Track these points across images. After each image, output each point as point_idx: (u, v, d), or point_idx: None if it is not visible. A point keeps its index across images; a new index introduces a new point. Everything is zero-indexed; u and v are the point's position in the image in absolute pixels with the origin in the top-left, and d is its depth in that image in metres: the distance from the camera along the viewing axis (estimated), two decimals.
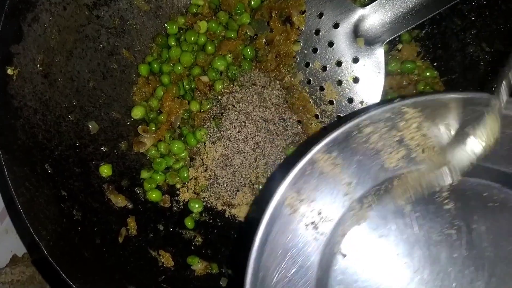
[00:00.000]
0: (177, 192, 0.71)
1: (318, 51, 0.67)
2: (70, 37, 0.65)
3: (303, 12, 0.66)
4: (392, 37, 0.63)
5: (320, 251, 0.46)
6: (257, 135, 0.68)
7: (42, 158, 0.60)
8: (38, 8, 0.60)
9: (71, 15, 0.64)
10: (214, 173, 0.69)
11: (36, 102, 0.61)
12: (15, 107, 0.58)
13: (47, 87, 0.62)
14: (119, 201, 0.66)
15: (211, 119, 0.70)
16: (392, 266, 0.48)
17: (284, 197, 0.45)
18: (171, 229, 0.69)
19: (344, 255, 0.48)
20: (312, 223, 0.46)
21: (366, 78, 0.65)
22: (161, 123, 0.71)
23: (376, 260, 0.48)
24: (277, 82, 0.70)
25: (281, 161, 0.69)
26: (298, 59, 0.68)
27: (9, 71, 0.57)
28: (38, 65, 0.61)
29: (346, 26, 0.64)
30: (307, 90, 0.68)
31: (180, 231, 0.69)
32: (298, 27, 0.67)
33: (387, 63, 0.67)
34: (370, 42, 0.64)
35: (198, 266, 0.65)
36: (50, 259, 0.54)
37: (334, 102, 0.67)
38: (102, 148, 0.68)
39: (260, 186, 0.68)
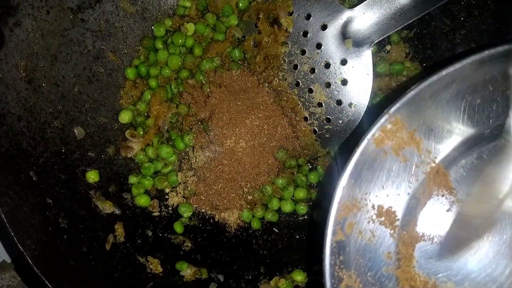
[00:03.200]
0: (166, 197, 0.70)
1: (306, 53, 0.66)
2: (54, 41, 0.63)
3: (290, 14, 0.65)
4: (380, 38, 0.62)
5: None
6: (246, 138, 0.67)
7: (27, 165, 0.59)
8: (20, 13, 0.59)
9: (55, 19, 0.63)
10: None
11: (20, 109, 0.60)
12: None
13: (31, 93, 0.61)
14: (107, 207, 0.65)
15: (199, 122, 0.70)
16: None
17: None
18: (160, 235, 0.68)
19: None
20: None
21: (355, 80, 0.64)
22: (149, 127, 0.70)
23: None
24: (266, 84, 0.69)
25: (270, 163, 0.68)
26: (286, 61, 0.67)
27: None
28: (22, 71, 0.60)
29: (334, 28, 0.64)
30: (296, 93, 0.68)
31: (169, 236, 0.68)
32: (286, 29, 0.66)
33: (375, 65, 0.66)
34: (359, 43, 0.63)
35: (187, 271, 0.65)
36: (35, 268, 0.54)
37: (323, 104, 0.66)
38: (88, 153, 0.67)
39: (250, 190, 0.68)
